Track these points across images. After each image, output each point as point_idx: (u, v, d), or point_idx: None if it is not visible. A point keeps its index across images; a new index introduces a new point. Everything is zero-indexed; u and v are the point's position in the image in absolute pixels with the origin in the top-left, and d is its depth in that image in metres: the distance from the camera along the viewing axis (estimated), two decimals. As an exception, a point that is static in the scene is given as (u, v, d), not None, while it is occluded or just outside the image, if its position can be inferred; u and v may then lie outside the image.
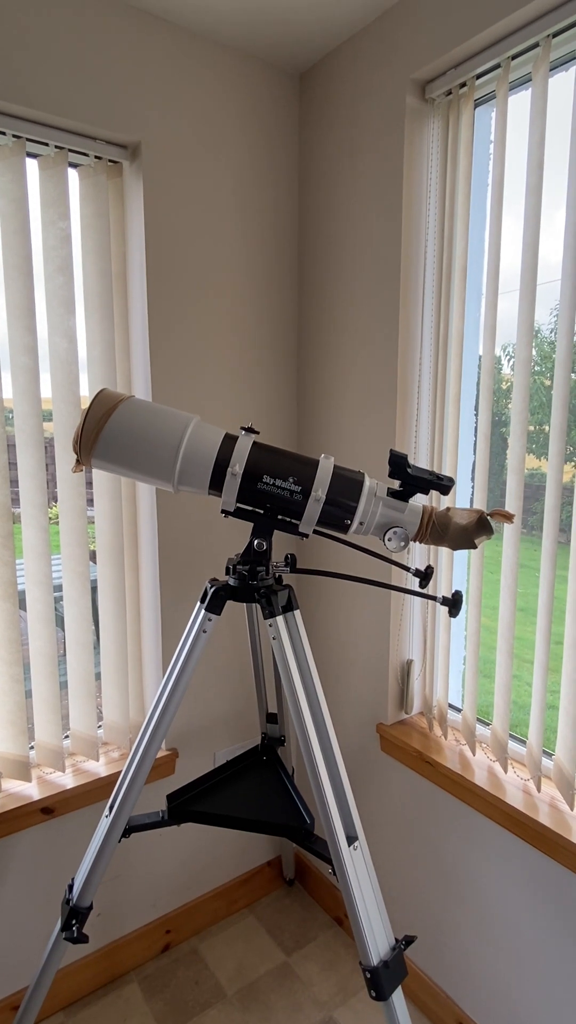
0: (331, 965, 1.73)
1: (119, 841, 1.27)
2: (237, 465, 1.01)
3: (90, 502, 1.56)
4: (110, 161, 1.48)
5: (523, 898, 1.33)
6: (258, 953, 1.77)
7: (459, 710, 1.57)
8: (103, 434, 1.01)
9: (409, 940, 1.11)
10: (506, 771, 1.39)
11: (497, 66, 1.26)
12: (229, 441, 1.04)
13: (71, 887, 1.24)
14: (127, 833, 1.23)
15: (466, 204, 1.34)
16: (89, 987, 1.65)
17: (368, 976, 1.05)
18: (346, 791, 1.11)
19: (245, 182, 1.62)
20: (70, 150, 1.41)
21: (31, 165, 1.40)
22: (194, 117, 1.51)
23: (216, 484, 1.03)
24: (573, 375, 1.23)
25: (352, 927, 1.07)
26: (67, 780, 1.54)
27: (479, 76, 1.29)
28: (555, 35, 1.15)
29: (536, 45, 1.18)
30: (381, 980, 1.05)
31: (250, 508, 1.08)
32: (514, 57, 1.22)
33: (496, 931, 1.39)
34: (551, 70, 1.20)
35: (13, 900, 1.51)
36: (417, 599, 1.60)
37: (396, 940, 1.11)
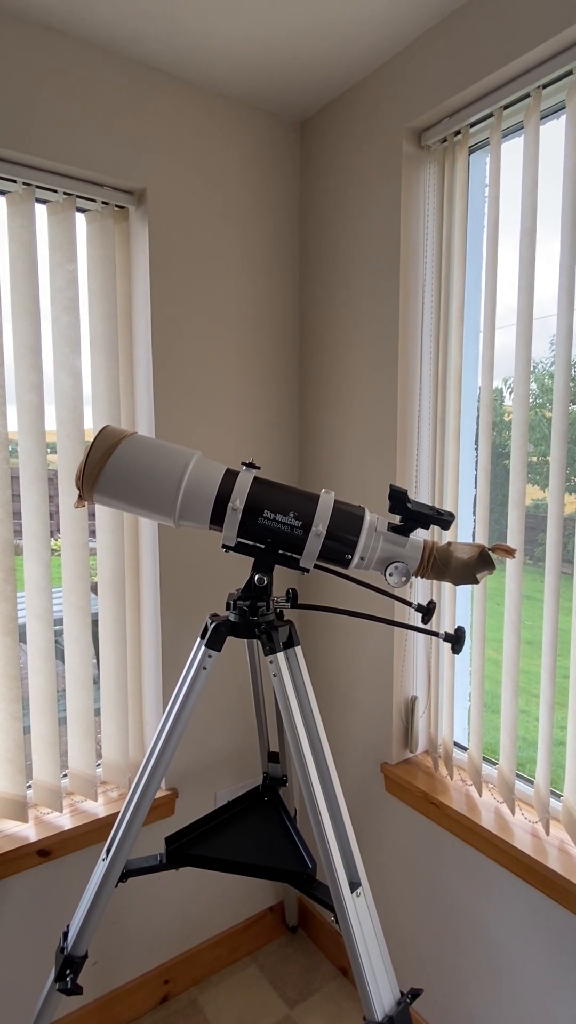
0: (335, 1019, 1.66)
1: (116, 886, 1.23)
2: (238, 500, 1.02)
3: (92, 534, 1.56)
4: (116, 206, 1.53)
5: (534, 948, 1.28)
6: (260, 1005, 1.70)
7: (465, 749, 1.54)
8: (106, 470, 1.02)
9: (415, 993, 1.07)
10: (513, 813, 1.35)
11: (490, 115, 1.30)
12: (230, 476, 1.04)
13: (66, 934, 1.20)
14: (124, 878, 1.19)
15: (462, 246, 1.38)
16: (83, 1042, 1.58)
17: (373, 1032, 1.01)
18: (348, 835, 1.08)
19: (247, 226, 1.67)
20: (78, 196, 1.46)
21: (40, 210, 1.44)
22: (198, 164, 1.57)
23: (217, 519, 1.03)
24: (573, 407, 1.24)
25: (355, 979, 1.03)
26: (65, 821, 1.51)
27: (473, 124, 1.34)
28: (545, 86, 1.20)
29: (527, 95, 1.23)
30: (386, 1037, 1.00)
31: (251, 543, 1.08)
32: (507, 107, 1.27)
33: (506, 983, 1.34)
34: (542, 118, 1.24)
35: (6, 948, 1.46)
36: (420, 635, 1.58)
37: (402, 993, 1.06)
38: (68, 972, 1.15)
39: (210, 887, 1.80)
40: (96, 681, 1.63)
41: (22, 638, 2.24)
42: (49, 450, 1.47)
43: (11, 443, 1.42)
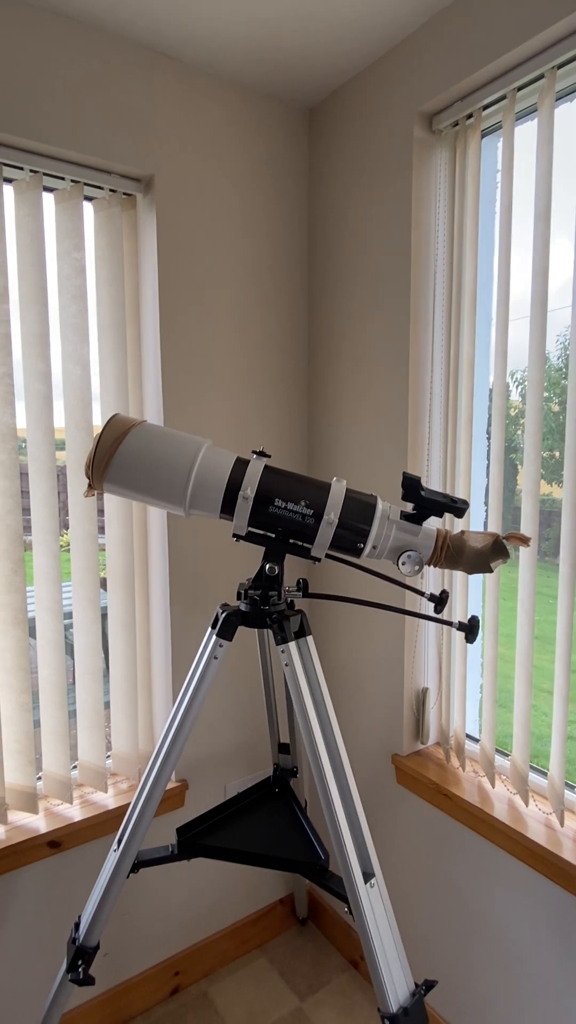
0: (347, 1011, 1.66)
1: (127, 876, 1.23)
2: (249, 488, 1.01)
3: (101, 530, 1.56)
4: (124, 194, 1.51)
5: (549, 939, 1.26)
6: (270, 997, 1.70)
7: (477, 740, 1.52)
8: (115, 459, 1.01)
9: (430, 985, 1.06)
10: (527, 804, 1.34)
11: (503, 97, 1.28)
12: (240, 465, 1.03)
13: (77, 925, 1.20)
14: (136, 868, 1.19)
15: (475, 232, 1.36)
16: (95, 1033, 1.58)
17: (387, 1024, 1.00)
18: (362, 825, 1.07)
19: (256, 213, 1.65)
20: (85, 183, 1.44)
21: (47, 198, 1.43)
22: (206, 151, 1.55)
23: (228, 508, 1.02)
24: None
25: (369, 970, 1.02)
26: (75, 812, 1.50)
27: (485, 107, 1.32)
28: (560, 66, 1.17)
29: (541, 76, 1.21)
30: (401, 1028, 0.99)
31: (262, 532, 1.07)
32: (520, 88, 1.25)
33: (520, 975, 1.33)
34: (557, 100, 1.22)
35: (18, 939, 1.47)
36: (431, 625, 1.57)
37: (416, 985, 1.06)
38: (80, 963, 1.15)
39: (220, 880, 1.79)
40: (106, 674, 1.63)
41: (32, 632, 2.24)
42: (57, 446, 1.46)
43: (19, 438, 1.41)
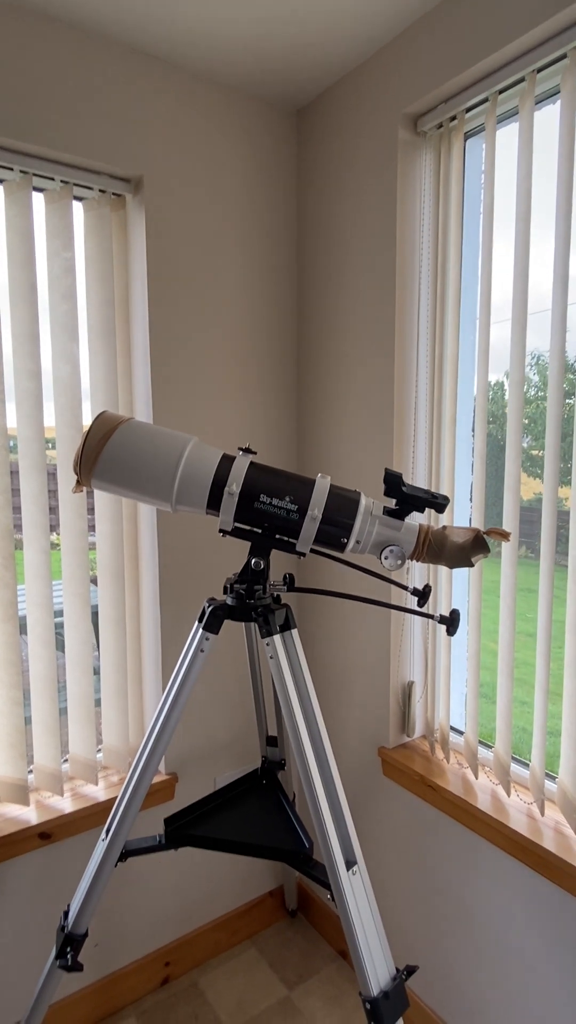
0: (334, 1000, 1.68)
1: (116, 865, 1.25)
2: (234, 484, 1.03)
3: (92, 528, 1.57)
4: (113, 194, 1.53)
5: (527, 926, 1.29)
6: (259, 987, 1.73)
7: (461, 733, 1.55)
8: (103, 455, 1.03)
9: (411, 970, 1.08)
10: (509, 795, 1.37)
11: (485, 100, 1.30)
12: (227, 461, 1.05)
13: (67, 913, 1.22)
14: (124, 857, 1.21)
15: (458, 232, 1.38)
16: (85, 1022, 1.60)
17: (368, 1007, 1.03)
18: (345, 815, 1.09)
19: (244, 212, 1.67)
20: (75, 184, 1.46)
21: (37, 198, 1.45)
22: (194, 152, 1.57)
23: (214, 503, 1.04)
24: (568, 400, 1.25)
25: (351, 955, 1.04)
26: (65, 804, 1.52)
27: (468, 110, 1.34)
28: (539, 70, 1.20)
29: (522, 80, 1.23)
30: (381, 1011, 1.02)
31: (248, 528, 1.09)
32: (501, 91, 1.27)
33: (500, 960, 1.36)
34: (537, 103, 1.24)
35: (8, 928, 1.49)
36: (417, 619, 1.59)
37: (397, 970, 1.08)
38: (68, 949, 1.17)
39: (210, 871, 1.82)
40: (96, 670, 1.65)
41: (23, 629, 2.26)
42: (49, 445, 1.48)
43: (10, 436, 1.42)
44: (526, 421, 1.31)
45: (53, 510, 1.52)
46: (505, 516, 1.31)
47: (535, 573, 1.30)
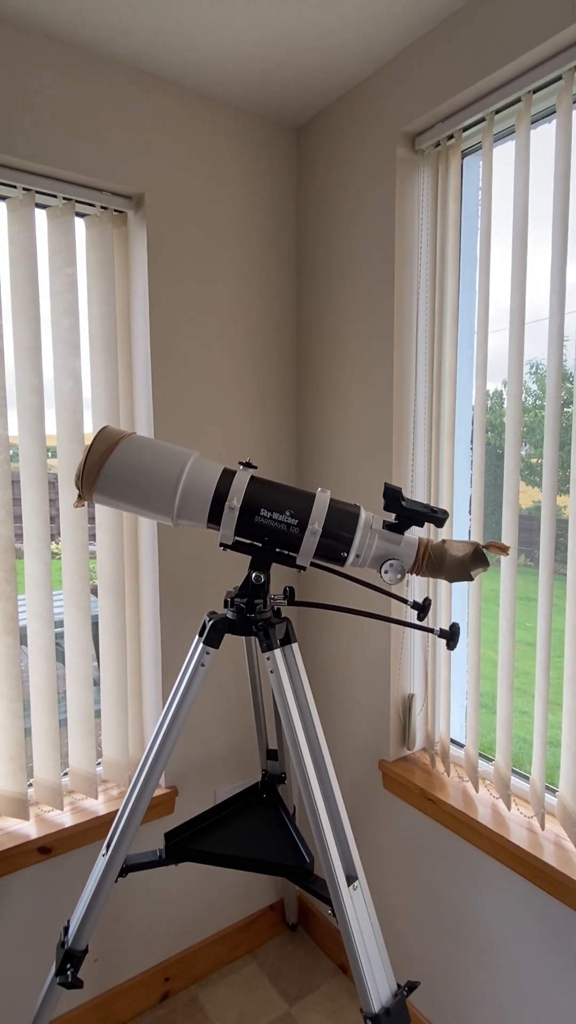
0: (335, 1015, 1.67)
1: (116, 880, 1.25)
2: (235, 499, 1.03)
3: (92, 538, 1.58)
4: (115, 211, 1.55)
5: (529, 941, 1.29)
6: (260, 1002, 1.71)
7: (462, 746, 1.55)
8: (104, 470, 1.04)
9: (412, 986, 1.08)
10: (509, 808, 1.37)
11: (482, 119, 1.32)
12: (227, 476, 1.06)
13: (66, 929, 1.21)
14: (124, 872, 1.21)
15: (456, 248, 1.40)
16: (85, 1039, 1.59)
17: (369, 1024, 1.02)
18: (345, 830, 1.09)
19: (244, 230, 1.69)
20: (77, 201, 1.48)
21: (40, 215, 1.46)
22: (195, 169, 1.59)
23: (215, 518, 1.05)
24: (566, 409, 1.26)
25: (352, 970, 1.04)
26: (65, 818, 1.52)
27: (466, 129, 1.36)
28: (536, 91, 1.22)
29: (518, 100, 1.25)
30: (383, 1028, 1.01)
31: (248, 541, 1.09)
32: (499, 111, 1.29)
33: (502, 976, 1.35)
34: (533, 123, 1.26)
35: (7, 944, 1.48)
36: (417, 632, 1.60)
37: (398, 986, 1.08)
38: (68, 966, 1.16)
39: (210, 885, 1.81)
40: (96, 682, 1.65)
41: (23, 640, 2.26)
42: (50, 454, 1.49)
43: (11, 446, 1.43)
44: (524, 430, 1.32)
45: (53, 519, 1.52)
46: (504, 526, 1.32)
47: (534, 582, 1.30)
